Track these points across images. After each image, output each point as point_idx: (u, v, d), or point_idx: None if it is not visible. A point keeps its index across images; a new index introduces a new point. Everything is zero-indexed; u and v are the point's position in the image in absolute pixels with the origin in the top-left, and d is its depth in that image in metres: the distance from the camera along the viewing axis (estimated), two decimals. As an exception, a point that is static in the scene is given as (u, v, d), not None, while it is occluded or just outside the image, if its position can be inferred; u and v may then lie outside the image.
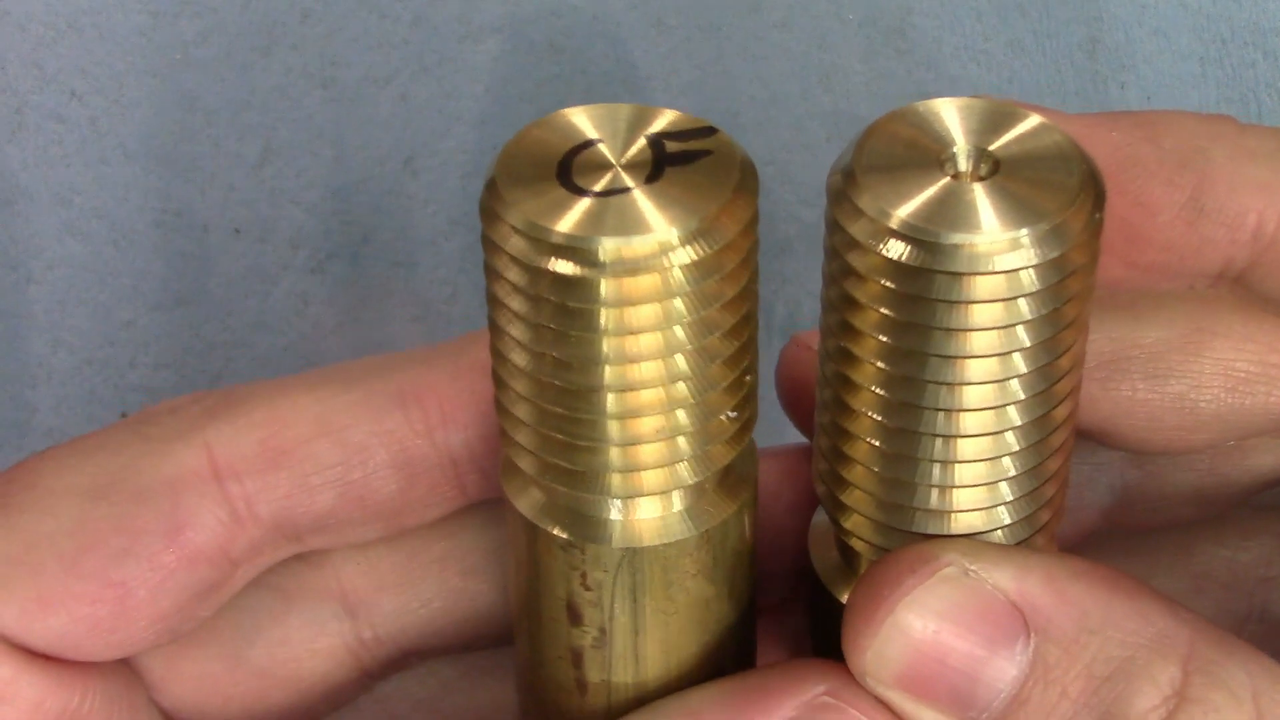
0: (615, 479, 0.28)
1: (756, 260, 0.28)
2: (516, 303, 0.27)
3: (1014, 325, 0.26)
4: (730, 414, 0.28)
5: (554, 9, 0.44)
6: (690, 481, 0.28)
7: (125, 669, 0.32)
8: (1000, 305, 0.26)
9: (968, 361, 0.27)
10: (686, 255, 0.26)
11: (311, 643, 0.34)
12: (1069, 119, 0.30)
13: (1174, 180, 0.30)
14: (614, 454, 0.28)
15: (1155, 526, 0.36)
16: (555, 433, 0.28)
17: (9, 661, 0.30)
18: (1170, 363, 0.33)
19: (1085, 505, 0.36)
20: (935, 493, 0.28)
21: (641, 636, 0.30)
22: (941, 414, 0.28)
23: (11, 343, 0.45)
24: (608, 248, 0.25)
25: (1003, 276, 0.26)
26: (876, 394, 0.28)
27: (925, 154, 0.27)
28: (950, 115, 0.27)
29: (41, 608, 0.30)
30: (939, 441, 0.28)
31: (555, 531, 0.29)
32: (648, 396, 0.27)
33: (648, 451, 0.28)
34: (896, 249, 0.26)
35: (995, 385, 0.27)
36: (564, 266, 0.26)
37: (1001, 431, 0.28)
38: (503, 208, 0.26)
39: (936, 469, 0.28)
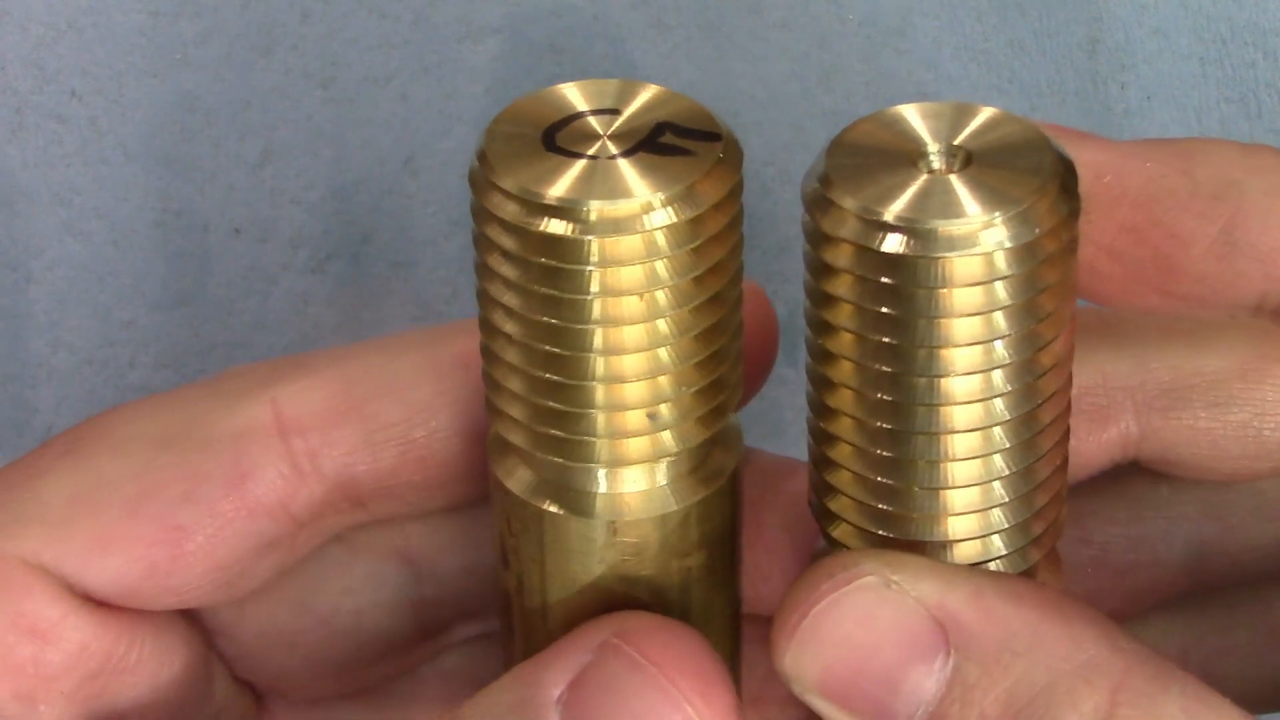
0: (602, 447, 0.29)
1: (741, 234, 0.29)
2: (507, 269, 0.28)
3: (994, 311, 0.27)
4: (710, 385, 0.29)
5: (554, 9, 0.44)
6: (674, 449, 0.29)
7: (183, 624, 0.33)
8: (980, 290, 0.27)
9: (952, 352, 0.27)
10: (668, 217, 0.27)
11: (374, 595, 0.34)
12: (1107, 146, 0.30)
13: (1207, 214, 0.30)
14: (600, 420, 0.28)
15: (1237, 583, 0.36)
16: (544, 400, 0.28)
17: (59, 603, 0.31)
18: (1232, 390, 0.33)
19: (1163, 562, 0.35)
20: (925, 496, 0.29)
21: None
22: (928, 410, 0.28)
23: (11, 343, 0.45)
24: (594, 209, 0.27)
25: (981, 258, 0.27)
26: (863, 396, 0.29)
27: (899, 154, 0.28)
28: (915, 117, 0.28)
29: (101, 547, 0.31)
30: (926, 440, 0.28)
31: (543, 506, 0.29)
32: (633, 362, 0.28)
33: (633, 418, 0.28)
34: (890, 242, 0.27)
35: (980, 376, 0.28)
36: (555, 227, 0.27)
37: (990, 427, 0.28)
38: (494, 174, 0.27)
39: (924, 470, 0.28)
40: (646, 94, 0.29)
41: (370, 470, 0.32)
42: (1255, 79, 0.45)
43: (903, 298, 0.27)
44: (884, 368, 0.28)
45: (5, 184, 0.43)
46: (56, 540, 0.31)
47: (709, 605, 0.31)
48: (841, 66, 0.44)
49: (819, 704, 0.28)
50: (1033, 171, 0.27)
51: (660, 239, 0.27)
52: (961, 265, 0.27)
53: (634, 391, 0.28)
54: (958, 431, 0.28)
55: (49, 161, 0.43)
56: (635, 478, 0.29)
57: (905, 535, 0.29)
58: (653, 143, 0.28)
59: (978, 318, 0.27)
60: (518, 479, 0.30)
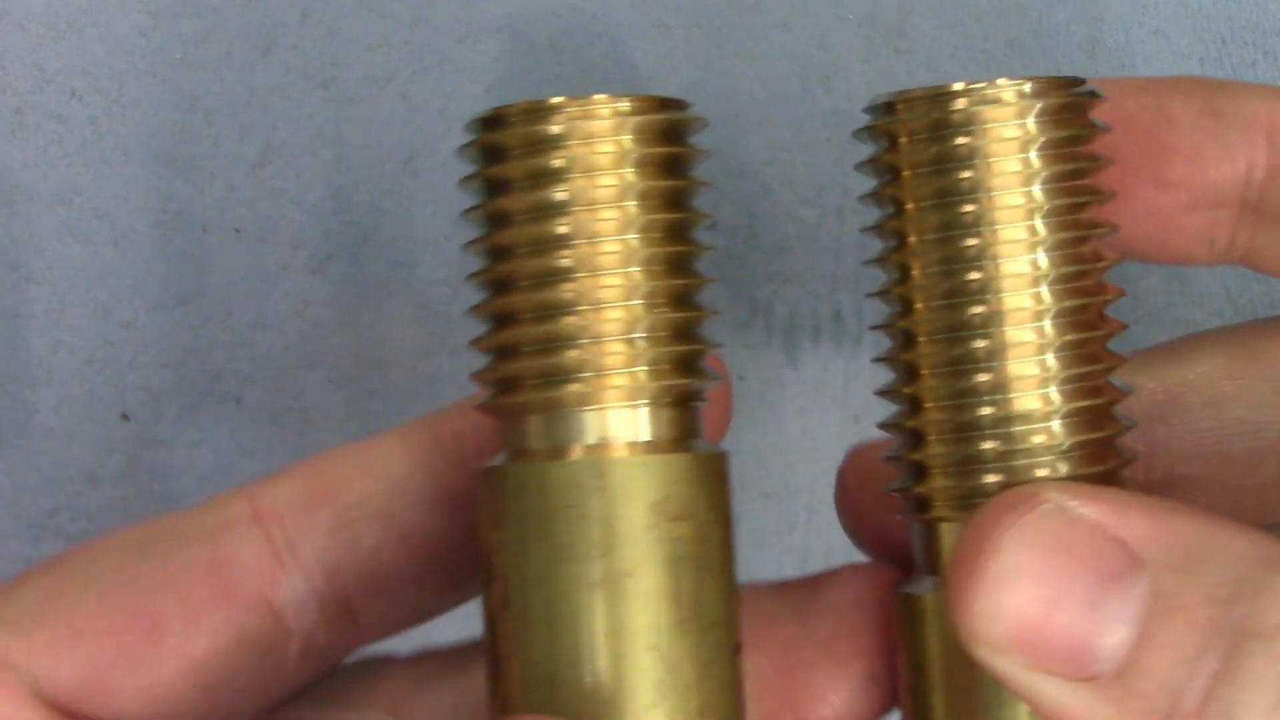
0: (589, 382, 0.30)
1: (692, 192, 0.32)
2: (512, 200, 0.31)
3: (1031, 179, 0.30)
4: (683, 325, 0.30)
5: (554, 9, 0.44)
6: (654, 386, 0.30)
7: None
8: (1016, 152, 0.30)
9: (997, 229, 0.30)
10: (635, 120, 0.31)
11: None
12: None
13: (1189, 92, 0.32)
14: (580, 355, 0.30)
15: None
16: (530, 337, 0.30)
17: (24, 709, 0.29)
18: (1225, 389, 0.33)
19: None
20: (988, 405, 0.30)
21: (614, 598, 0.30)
22: (982, 308, 0.30)
23: (11, 343, 0.45)
24: (571, 110, 0.31)
25: (1016, 122, 0.30)
26: (929, 302, 0.31)
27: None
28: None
29: (71, 638, 0.30)
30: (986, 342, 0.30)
31: (531, 464, 0.30)
32: (609, 282, 0.30)
33: (613, 351, 0.30)
34: (937, 109, 0.30)
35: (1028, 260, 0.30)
36: (546, 129, 0.31)
37: (1041, 318, 0.30)
38: (502, 117, 0.31)
39: (986, 374, 0.30)
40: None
41: (351, 556, 0.31)
42: (1255, 79, 0.45)
43: (945, 172, 0.30)
44: (940, 252, 0.30)
45: (5, 184, 0.43)
46: (24, 634, 0.30)
47: (700, 586, 0.30)
48: (841, 66, 0.44)
49: (1006, 663, 0.27)
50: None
51: (628, 138, 0.31)
52: (998, 128, 0.30)
53: (609, 318, 0.30)
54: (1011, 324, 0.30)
55: (49, 161, 0.43)
56: (618, 424, 0.30)
57: (982, 454, 0.30)
58: None
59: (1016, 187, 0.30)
60: (499, 457, 0.30)
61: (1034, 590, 0.26)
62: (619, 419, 0.30)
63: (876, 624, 0.32)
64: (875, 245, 0.33)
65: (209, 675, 0.30)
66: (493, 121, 0.31)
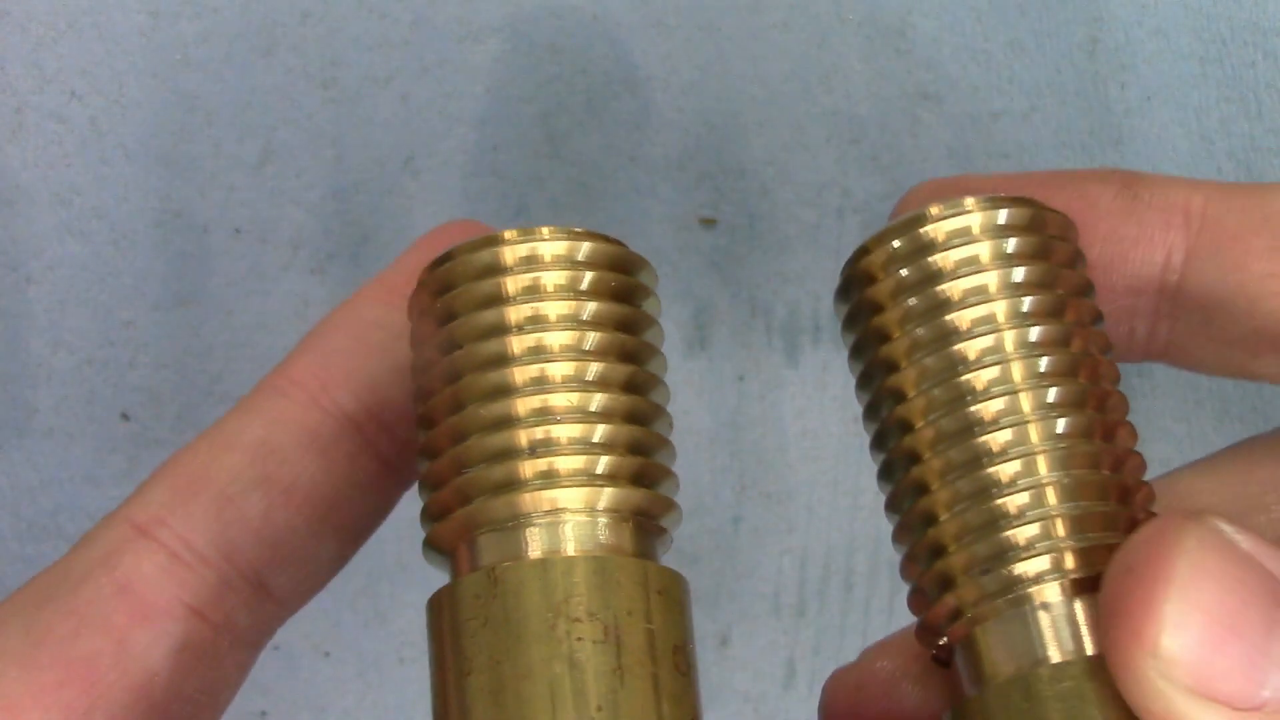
0: (522, 498, 0.29)
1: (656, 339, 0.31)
2: (442, 340, 0.30)
3: (1011, 297, 0.30)
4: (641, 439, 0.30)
5: (554, 9, 0.44)
6: (610, 494, 0.29)
7: None
8: (994, 272, 0.30)
9: (985, 341, 0.30)
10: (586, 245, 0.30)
11: None
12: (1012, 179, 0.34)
13: (1106, 178, 0.33)
14: (529, 465, 0.29)
15: None
16: (477, 456, 0.29)
17: None
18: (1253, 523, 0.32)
19: None
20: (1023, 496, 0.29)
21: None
22: (987, 420, 0.29)
23: (11, 343, 0.45)
24: (509, 238, 0.30)
25: (989, 243, 0.30)
26: (932, 427, 0.30)
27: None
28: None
29: (10, 713, 0.29)
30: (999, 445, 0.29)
31: (450, 583, 0.29)
32: (562, 398, 0.29)
33: (550, 473, 0.29)
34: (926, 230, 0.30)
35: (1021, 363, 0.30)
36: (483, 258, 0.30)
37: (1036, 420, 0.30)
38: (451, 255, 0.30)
39: (1014, 469, 0.29)
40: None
41: (244, 531, 0.31)
42: (1255, 79, 0.45)
43: (929, 303, 0.30)
44: (935, 380, 0.30)
45: (5, 184, 0.43)
46: None
47: (613, 694, 0.28)
48: (841, 66, 0.44)
49: (1183, 701, 0.26)
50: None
51: (588, 275, 0.30)
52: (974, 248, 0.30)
53: (566, 430, 0.29)
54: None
55: (49, 161, 0.43)
56: (572, 530, 0.29)
57: (1016, 574, 0.29)
58: None
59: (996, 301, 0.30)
60: (439, 585, 0.30)
61: (1211, 631, 0.26)
62: (543, 535, 0.29)
63: None
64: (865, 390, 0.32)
65: (155, 695, 0.30)
66: (444, 258, 0.31)
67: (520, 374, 0.30)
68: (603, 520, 0.30)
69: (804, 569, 0.45)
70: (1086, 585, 0.29)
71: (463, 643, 0.29)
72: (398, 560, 0.45)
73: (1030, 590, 0.29)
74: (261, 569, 0.31)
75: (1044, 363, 0.30)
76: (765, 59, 0.44)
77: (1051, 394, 0.29)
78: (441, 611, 0.29)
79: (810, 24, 0.44)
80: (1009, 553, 0.29)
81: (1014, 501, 0.29)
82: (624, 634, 0.29)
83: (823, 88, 0.45)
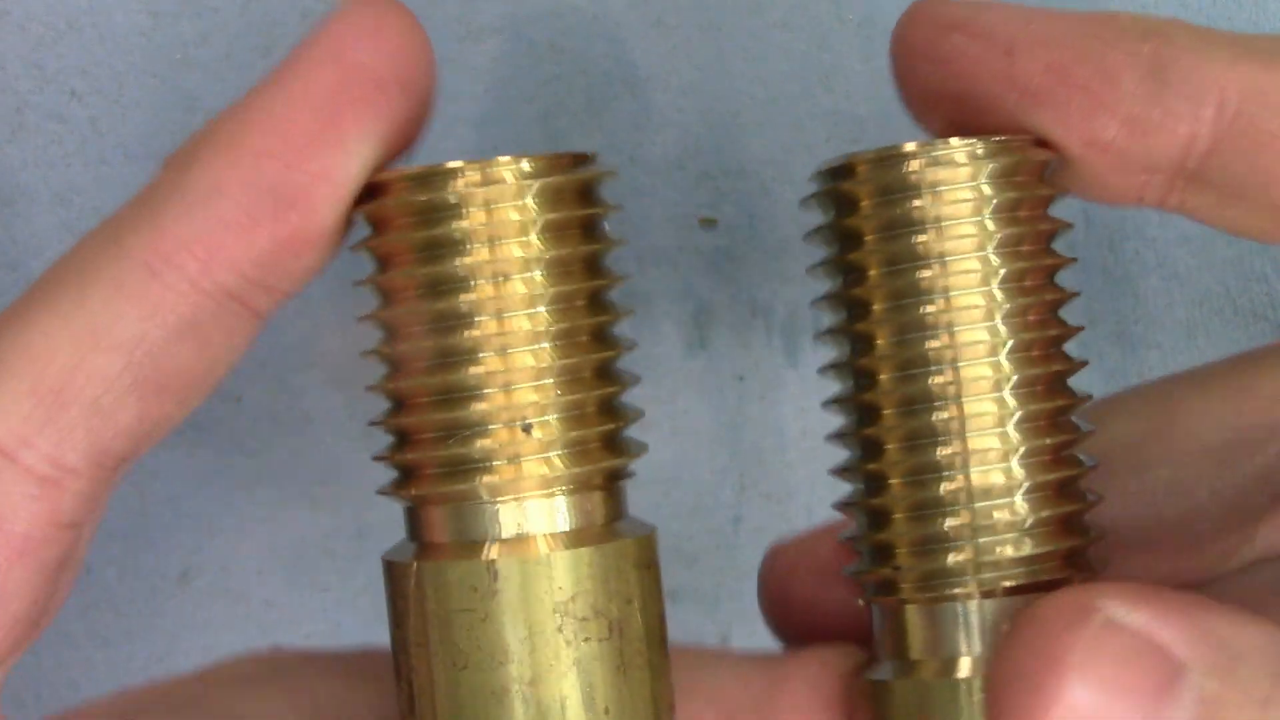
0: (500, 471, 0.28)
1: (603, 234, 0.30)
2: (403, 273, 0.28)
3: (985, 239, 0.29)
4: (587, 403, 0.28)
5: (554, 9, 0.44)
6: (562, 471, 0.28)
7: None
8: (970, 215, 0.29)
9: (953, 296, 0.29)
10: (539, 183, 0.28)
11: None
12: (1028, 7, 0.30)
13: (1136, 49, 0.29)
14: (483, 441, 0.28)
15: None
16: (432, 423, 0.28)
17: None
18: (1151, 452, 0.32)
19: None
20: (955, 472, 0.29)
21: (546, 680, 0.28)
22: (942, 373, 0.29)
23: (11, 343, 0.45)
24: (468, 172, 0.28)
25: (968, 187, 0.29)
26: (893, 381, 0.30)
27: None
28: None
29: None
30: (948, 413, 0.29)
31: (429, 562, 0.28)
32: (517, 360, 0.28)
33: (527, 443, 0.28)
34: (905, 165, 0.29)
35: (985, 326, 0.29)
36: (429, 191, 0.28)
37: (1000, 384, 0.29)
38: (385, 184, 0.28)
39: (952, 441, 0.29)
40: None
41: (116, 432, 0.29)
42: (1255, 79, 0.45)
43: (900, 236, 0.29)
44: (900, 319, 0.29)
45: (5, 184, 0.43)
46: None
47: (618, 687, 0.28)
48: (841, 66, 0.44)
49: None
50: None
51: (531, 204, 0.28)
52: (952, 191, 0.29)
53: (516, 399, 0.28)
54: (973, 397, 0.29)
55: (49, 161, 0.43)
56: (525, 517, 0.28)
57: (948, 532, 0.29)
58: None
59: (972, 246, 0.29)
60: (401, 551, 0.29)
61: (1096, 712, 0.26)
62: (532, 510, 0.28)
63: (838, 711, 0.32)
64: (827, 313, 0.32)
65: (33, 617, 0.29)
66: (376, 189, 0.29)
67: (500, 339, 0.28)
68: (597, 495, 0.29)
69: (804, 569, 0.45)
70: (1027, 589, 0.29)
71: (454, 634, 0.28)
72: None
73: (965, 589, 0.29)
74: (130, 456, 0.29)
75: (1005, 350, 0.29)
76: (765, 59, 0.44)
77: (1010, 396, 0.29)
78: (422, 588, 0.28)
79: (810, 24, 0.44)
80: (950, 544, 0.29)
81: (954, 488, 0.29)
82: (625, 626, 0.29)
83: (823, 88, 0.45)
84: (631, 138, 0.44)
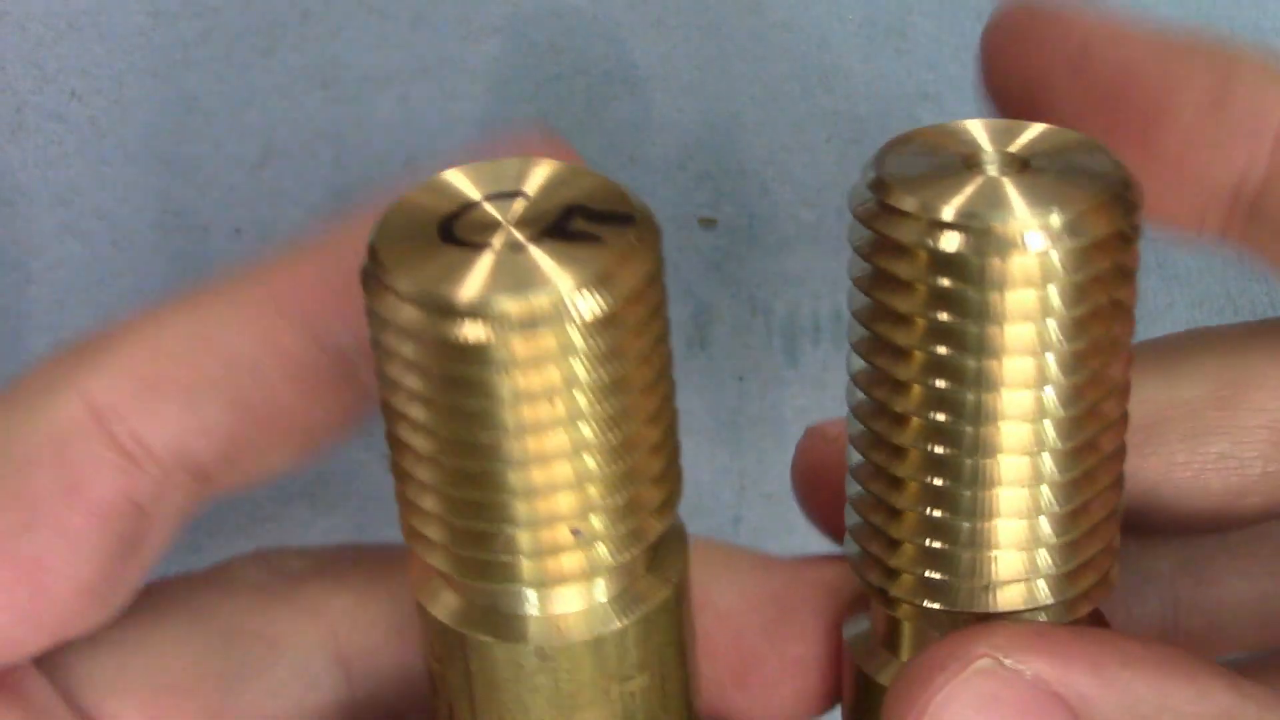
0: (527, 566, 0.26)
1: (665, 321, 0.27)
2: (411, 380, 0.25)
3: (1046, 319, 0.26)
4: (645, 489, 0.26)
5: (554, 9, 0.44)
6: (609, 563, 0.26)
7: None
8: (1034, 293, 0.26)
9: (1003, 362, 0.27)
10: (585, 309, 0.24)
11: (302, 697, 0.31)
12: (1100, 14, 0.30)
13: (1202, 67, 0.29)
14: (524, 538, 0.26)
15: (1215, 642, 0.34)
16: (462, 520, 0.26)
17: None
18: (1209, 420, 0.31)
19: (1137, 620, 0.34)
20: (975, 526, 0.28)
21: None
22: (977, 430, 0.27)
23: (12, 343, 0.45)
24: (502, 306, 0.24)
25: (1035, 258, 0.26)
26: (921, 420, 0.28)
27: (952, 160, 0.27)
28: (968, 129, 0.28)
29: None
30: (977, 464, 0.28)
31: (468, 632, 0.27)
32: (556, 471, 0.25)
33: (560, 534, 0.26)
34: (949, 240, 0.26)
35: (1031, 393, 0.27)
36: (461, 330, 0.24)
37: (1039, 453, 0.27)
38: (388, 275, 0.25)
39: (976, 494, 0.28)
40: (550, 172, 0.26)
41: (201, 439, 0.29)
42: (1255, 79, 0.45)
43: (955, 301, 0.26)
44: (938, 380, 0.27)
45: (5, 184, 0.43)
46: None
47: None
48: (841, 66, 0.44)
49: None
50: (1090, 179, 0.26)
51: (576, 336, 0.24)
52: (1015, 265, 0.26)
53: (559, 504, 0.26)
54: (1005, 452, 0.27)
55: (49, 161, 0.43)
56: (567, 598, 0.27)
57: (955, 593, 0.28)
58: (562, 229, 0.25)
59: (1029, 325, 0.26)
60: (441, 604, 0.28)
61: None
62: (570, 594, 0.27)
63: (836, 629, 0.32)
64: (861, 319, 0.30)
65: (97, 589, 0.29)
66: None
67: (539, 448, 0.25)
68: (639, 570, 0.28)
69: (804, 569, 0.45)
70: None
71: (503, 698, 0.27)
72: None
73: (972, 611, 0.28)
74: (210, 470, 0.29)
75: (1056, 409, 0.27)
76: (765, 59, 0.44)
77: (1055, 442, 0.27)
78: (466, 653, 0.27)
79: (810, 24, 0.44)
80: (961, 575, 0.28)
81: (971, 528, 0.28)
82: (666, 670, 0.28)
83: (823, 88, 0.45)
84: (631, 138, 0.44)
